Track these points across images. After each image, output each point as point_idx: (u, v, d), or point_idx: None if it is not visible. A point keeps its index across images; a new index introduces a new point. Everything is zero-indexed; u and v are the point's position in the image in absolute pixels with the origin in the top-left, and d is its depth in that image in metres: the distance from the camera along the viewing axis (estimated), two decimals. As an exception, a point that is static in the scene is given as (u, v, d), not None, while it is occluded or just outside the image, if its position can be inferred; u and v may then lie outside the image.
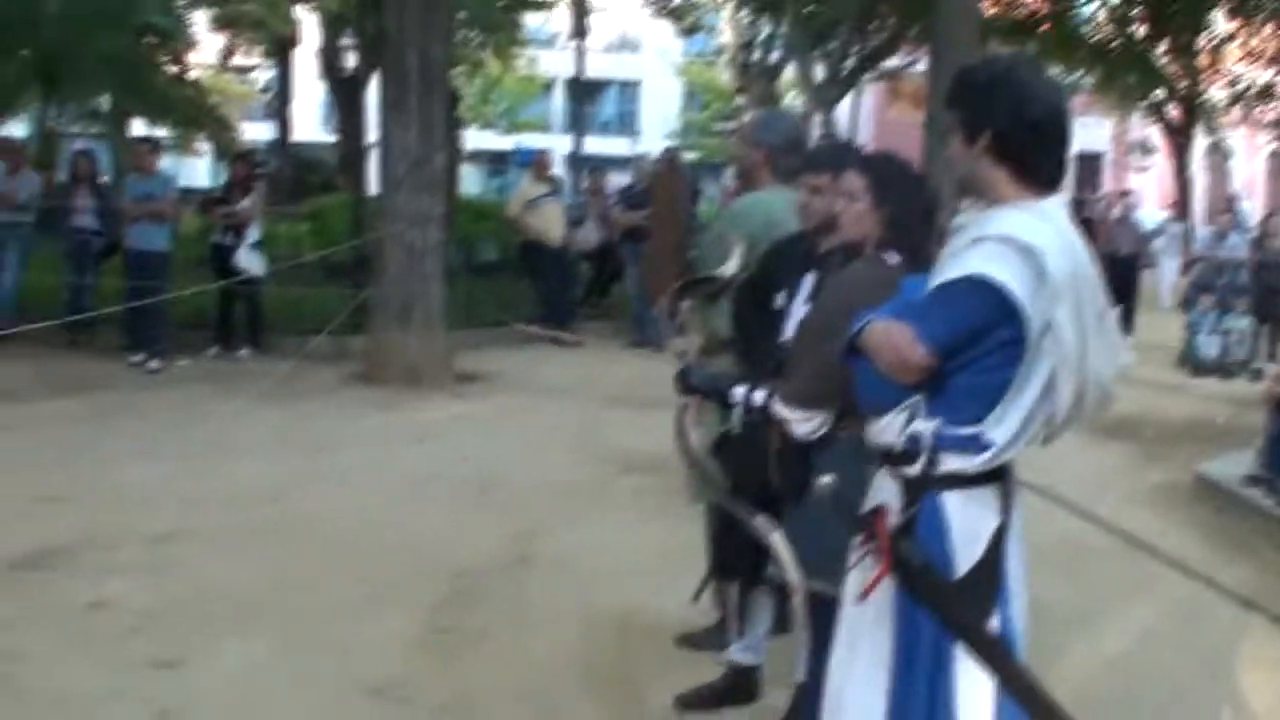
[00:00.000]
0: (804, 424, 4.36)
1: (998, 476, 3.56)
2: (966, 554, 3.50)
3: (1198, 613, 7.57)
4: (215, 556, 7.57)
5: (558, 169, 21.84)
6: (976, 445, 3.47)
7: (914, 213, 4.37)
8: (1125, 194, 27.01)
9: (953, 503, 3.51)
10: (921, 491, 3.52)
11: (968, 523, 3.51)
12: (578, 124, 31.06)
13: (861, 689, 3.63)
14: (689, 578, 6.31)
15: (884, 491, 3.64)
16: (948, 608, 3.47)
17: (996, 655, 3.46)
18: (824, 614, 4.37)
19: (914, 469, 3.52)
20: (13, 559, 7.40)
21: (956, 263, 3.46)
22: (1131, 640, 6.97)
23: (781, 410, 4.40)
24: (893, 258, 4.32)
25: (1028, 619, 3.66)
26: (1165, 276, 24.81)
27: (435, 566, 7.51)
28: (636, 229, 18.24)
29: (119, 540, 7.77)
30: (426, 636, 6.49)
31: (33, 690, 5.66)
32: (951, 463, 3.49)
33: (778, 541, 4.33)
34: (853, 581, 3.72)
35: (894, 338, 3.45)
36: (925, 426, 3.50)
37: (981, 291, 3.38)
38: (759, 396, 4.50)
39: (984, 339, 3.42)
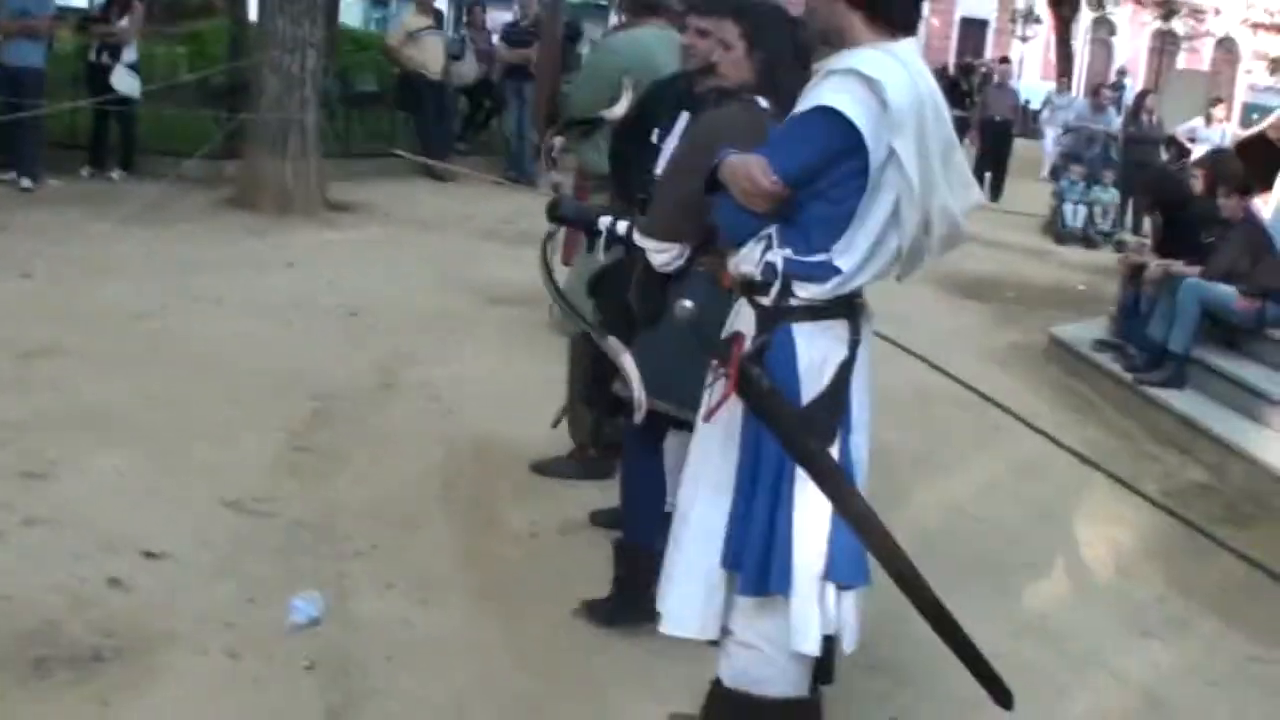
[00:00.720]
0: (661, 254, 4.49)
1: (848, 311, 3.71)
2: (812, 383, 3.66)
3: (1040, 467, 7.88)
4: (83, 373, 7.57)
5: (441, 2, 21.60)
6: (824, 272, 3.61)
7: (786, 60, 4.43)
8: (1004, 61, 27.27)
9: (803, 333, 3.66)
10: (775, 321, 3.66)
11: (816, 352, 3.66)
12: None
13: (705, 508, 3.81)
14: (549, 406, 6.51)
15: (741, 319, 3.78)
16: (791, 432, 3.62)
17: (835, 481, 3.62)
18: (655, 433, 4.69)
19: (768, 298, 3.66)
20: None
21: (807, 98, 3.60)
22: (973, 488, 7.26)
23: (640, 240, 4.54)
24: (763, 103, 4.42)
25: (869, 457, 3.83)
26: (1048, 147, 25.03)
27: (300, 389, 7.60)
28: (517, 66, 18.21)
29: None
30: (288, 455, 6.60)
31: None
32: (803, 291, 3.63)
33: (627, 361, 4.49)
34: (704, 404, 3.88)
35: (748, 167, 3.55)
36: (778, 255, 3.63)
37: (827, 121, 3.50)
38: (622, 227, 4.63)
39: (832, 169, 3.54)
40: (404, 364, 8.36)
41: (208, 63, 17.79)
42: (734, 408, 3.74)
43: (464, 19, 23.88)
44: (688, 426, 4.15)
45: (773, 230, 3.65)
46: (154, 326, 8.73)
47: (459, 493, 6.31)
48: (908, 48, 3.65)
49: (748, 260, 3.70)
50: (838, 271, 3.62)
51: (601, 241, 4.72)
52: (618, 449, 5.34)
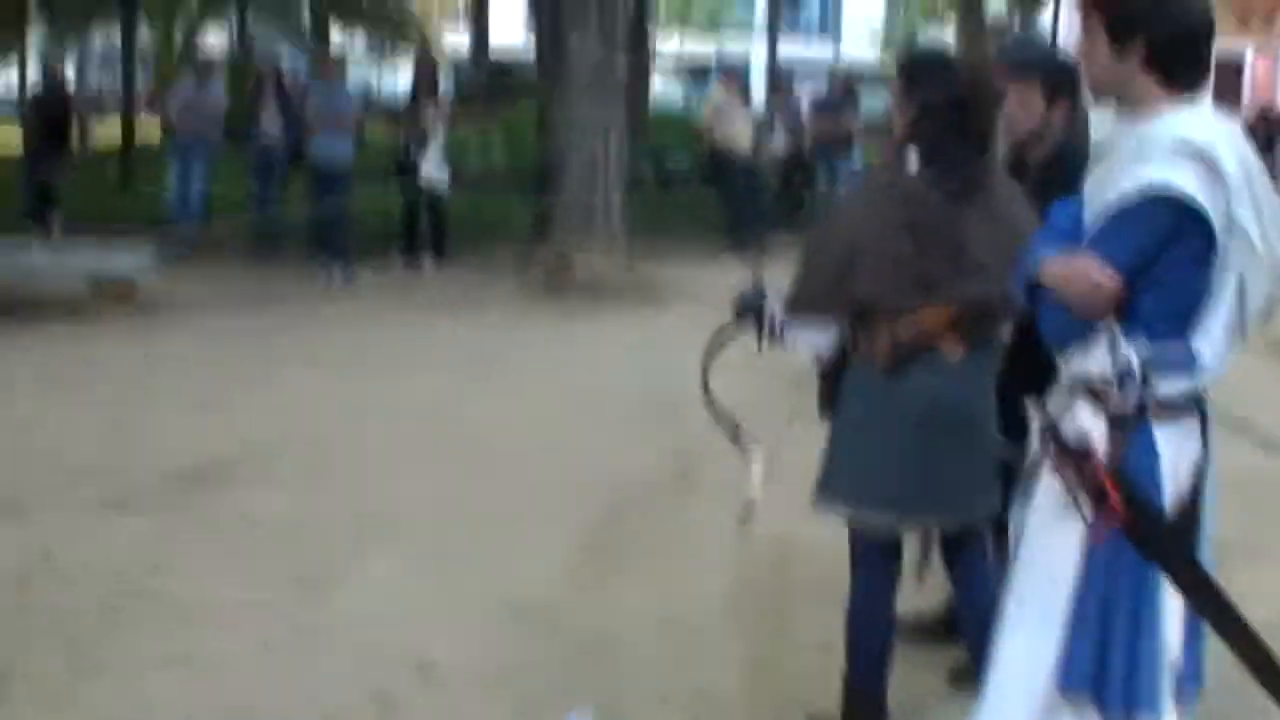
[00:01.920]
0: (805, 340, 4.30)
1: (1199, 402, 3.41)
2: (1174, 490, 3.34)
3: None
4: (373, 469, 7.52)
5: (756, 77, 21.56)
6: (1187, 362, 3.31)
7: (938, 107, 4.13)
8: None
9: (1164, 434, 3.34)
10: (1133, 424, 3.34)
11: (1177, 455, 3.36)
12: (773, 28, 30.44)
13: (1029, 640, 3.46)
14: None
15: (1079, 424, 3.41)
16: (1177, 558, 3.32)
17: (1222, 603, 3.31)
18: (876, 555, 4.42)
19: (1126, 399, 3.33)
20: (172, 471, 7.42)
21: (1127, 177, 3.28)
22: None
23: (788, 321, 4.29)
24: (911, 161, 4.12)
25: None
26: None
27: (596, 483, 7.37)
28: (827, 139, 17.90)
29: (277, 451, 7.79)
30: (576, 556, 6.33)
31: (175, 601, 5.62)
32: (1167, 387, 3.32)
33: (755, 467, 4.47)
34: (1036, 528, 3.51)
35: (1080, 268, 3.27)
36: (1131, 352, 3.31)
37: (1164, 202, 3.21)
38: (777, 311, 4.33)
39: (1170, 251, 3.25)
40: (704, 456, 8.03)
41: (520, 148, 18.05)
42: (1051, 520, 3.41)
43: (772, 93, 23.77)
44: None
45: (1113, 327, 3.31)
46: (451, 419, 8.64)
47: (750, 600, 5.92)
48: (1209, 108, 3.38)
49: (1095, 362, 3.36)
50: (1200, 359, 3.30)
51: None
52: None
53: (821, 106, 18.38)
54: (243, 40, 25.51)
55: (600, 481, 7.42)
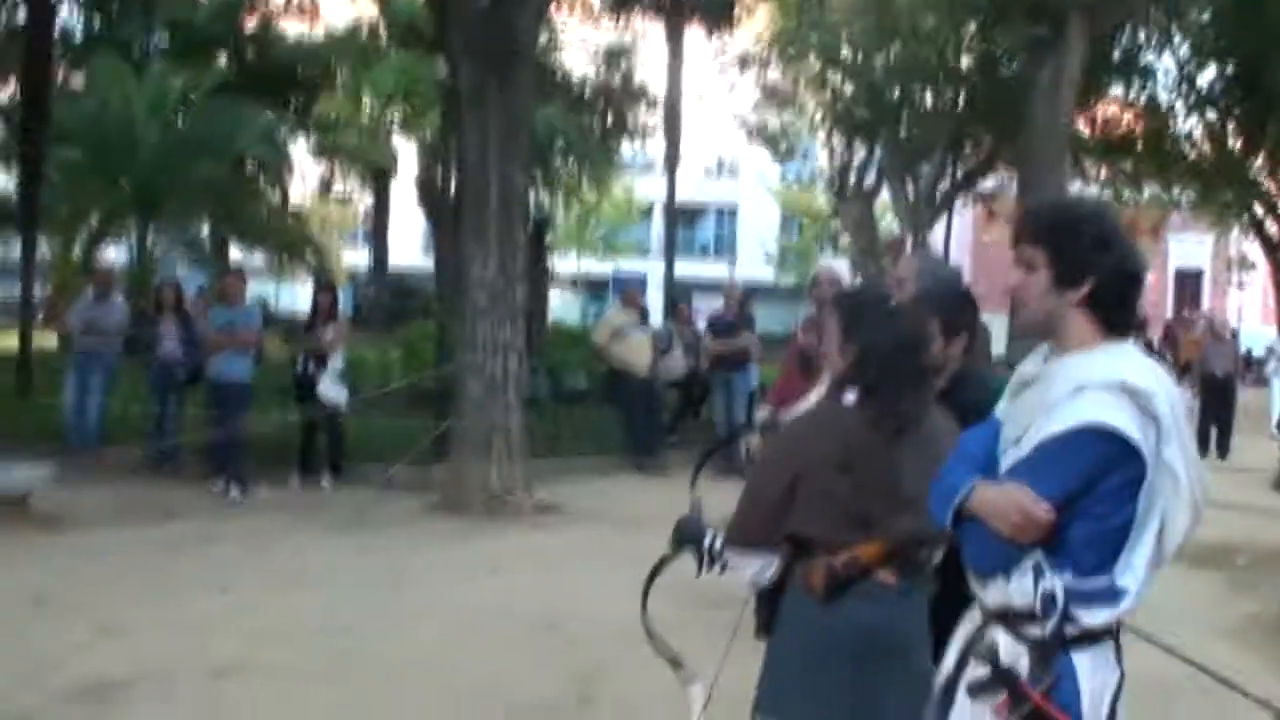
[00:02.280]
0: (747, 567, 4.37)
1: (1116, 629, 3.53)
2: (1093, 716, 3.46)
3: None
4: (271, 693, 7.48)
5: (653, 292, 21.92)
6: (1110, 596, 3.43)
7: (879, 351, 4.31)
8: (1216, 315, 26.66)
9: (1083, 662, 3.46)
10: (1054, 652, 3.44)
11: (1096, 681, 3.47)
12: (670, 249, 31.14)
13: None
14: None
15: (1001, 652, 3.53)
16: None
17: None
18: None
19: (1043, 629, 3.44)
20: (66, 691, 7.38)
21: (1062, 412, 3.43)
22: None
23: (728, 552, 4.41)
24: (849, 397, 4.31)
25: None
26: (1276, 396, 24.15)
27: (494, 706, 7.38)
28: (724, 357, 18.18)
29: (175, 674, 7.74)
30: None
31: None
32: (1086, 618, 3.44)
33: (695, 694, 4.65)
34: None
35: (1014, 498, 3.40)
36: (1056, 583, 3.42)
37: (1100, 439, 3.37)
38: (718, 541, 4.45)
39: (1099, 485, 3.40)
40: (604, 678, 8.08)
41: (420, 367, 18.19)
42: None
43: (670, 313, 24.17)
44: None
45: (1039, 557, 3.43)
46: (348, 641, 8.61)
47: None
48: (1136, 349, 3.59)
49: (1019, 592, 3.47)
50: (1124, 592, 3.44)
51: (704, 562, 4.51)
52: None
53: (718, 326, 18.67)
54: (141, 257, 25.61)
55: (500, 703, 7.42)
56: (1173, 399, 3.45)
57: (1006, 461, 3.54)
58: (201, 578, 10.13)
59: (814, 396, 5.41)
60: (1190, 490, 3.43)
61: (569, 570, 11.18)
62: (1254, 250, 41.10)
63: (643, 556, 11.45)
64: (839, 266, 24.16)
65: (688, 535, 4.63)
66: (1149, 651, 8.71)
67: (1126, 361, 3.45)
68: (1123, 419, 3.34)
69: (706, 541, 4.48)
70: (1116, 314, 3.53)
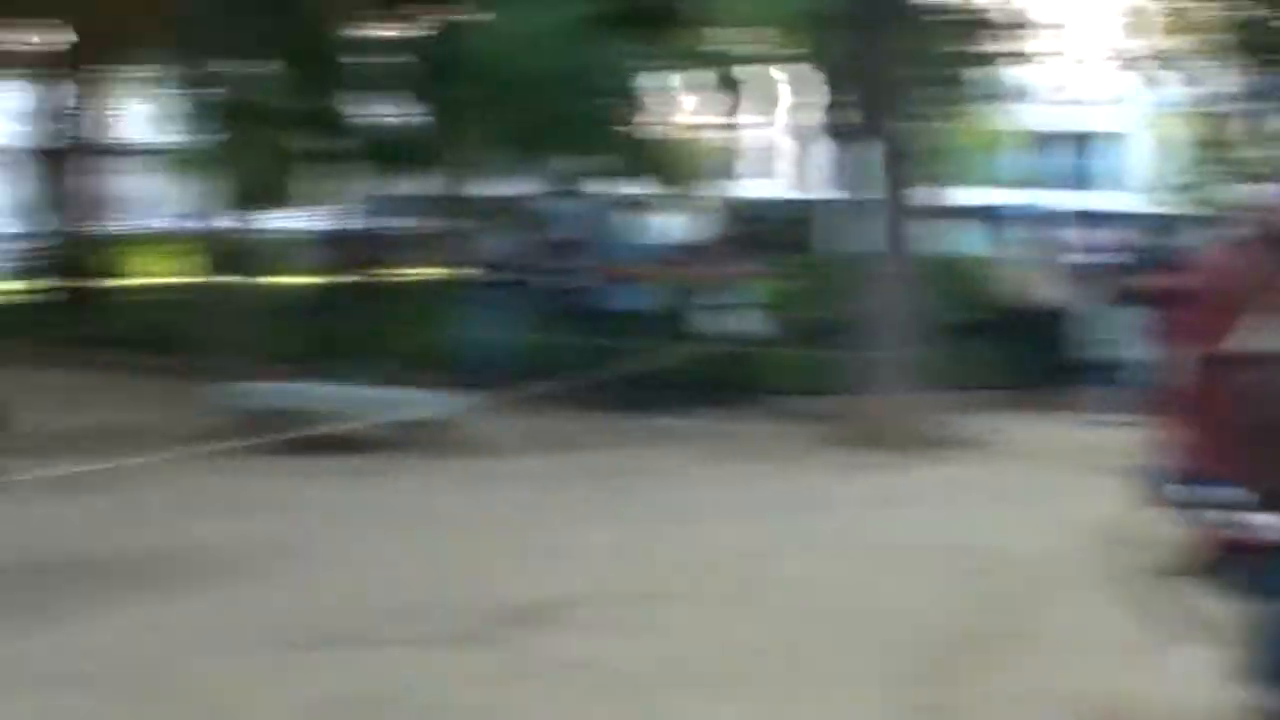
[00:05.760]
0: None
1: None
2: None
3: None
4: (695, 620, 7.63)
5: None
6: None
7: None
8: None
9: None
10: None
11: None
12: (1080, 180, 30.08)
13: None
14: (1179, 659, 5.84)
15: None
16: None
17: None
18: None
19: None
20: (502, 613, 7.66)
21: None
22: None
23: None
24: None
25: None
26: None
27: (916, 641, 7.32)
28: (1132, 290, 17.55)
29: (606, 598, 7.97)
30: (903, 716, 6.32)
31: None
32: None
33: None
34: None
35: None
36: None
37: None
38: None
39: None
40: (1023, 614, 7.94)
41: (814, 299, 18.13)
42: None
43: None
44: None
45: None
46: (763, 571, 8.71)
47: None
48: None
49: None
50: None
51: None
52: None
53: (1135, 258, 17.93)
54: (541, 191, 26.16)
55: (922, 638, 7.36)
56: None
57: None
58: (618, 505, 10.38)
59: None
60: None
61: (975, 504, 10.99)
62: None
63: (1050, 491, 11.26)
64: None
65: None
66: None
67: None
68: None
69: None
70: None
